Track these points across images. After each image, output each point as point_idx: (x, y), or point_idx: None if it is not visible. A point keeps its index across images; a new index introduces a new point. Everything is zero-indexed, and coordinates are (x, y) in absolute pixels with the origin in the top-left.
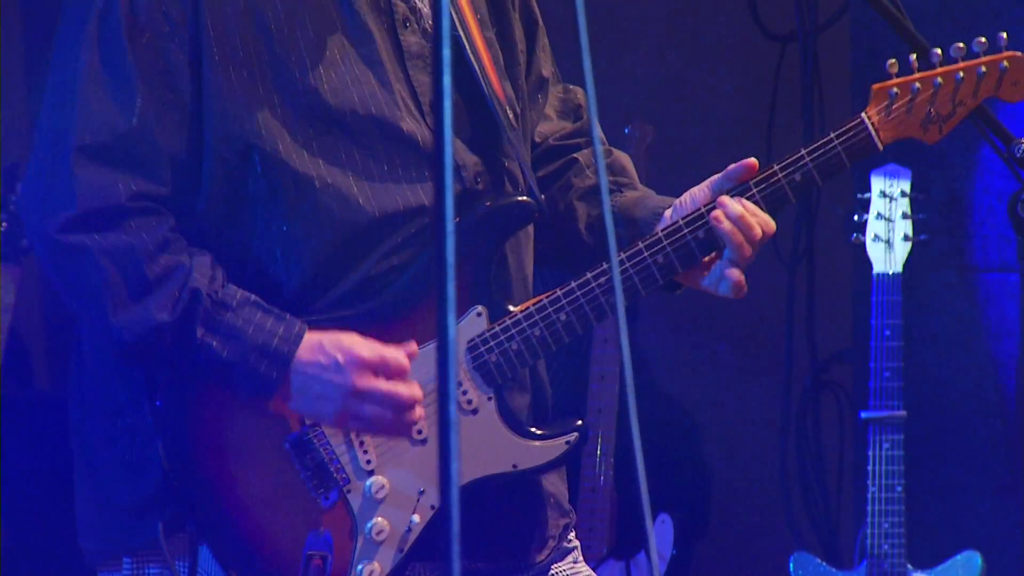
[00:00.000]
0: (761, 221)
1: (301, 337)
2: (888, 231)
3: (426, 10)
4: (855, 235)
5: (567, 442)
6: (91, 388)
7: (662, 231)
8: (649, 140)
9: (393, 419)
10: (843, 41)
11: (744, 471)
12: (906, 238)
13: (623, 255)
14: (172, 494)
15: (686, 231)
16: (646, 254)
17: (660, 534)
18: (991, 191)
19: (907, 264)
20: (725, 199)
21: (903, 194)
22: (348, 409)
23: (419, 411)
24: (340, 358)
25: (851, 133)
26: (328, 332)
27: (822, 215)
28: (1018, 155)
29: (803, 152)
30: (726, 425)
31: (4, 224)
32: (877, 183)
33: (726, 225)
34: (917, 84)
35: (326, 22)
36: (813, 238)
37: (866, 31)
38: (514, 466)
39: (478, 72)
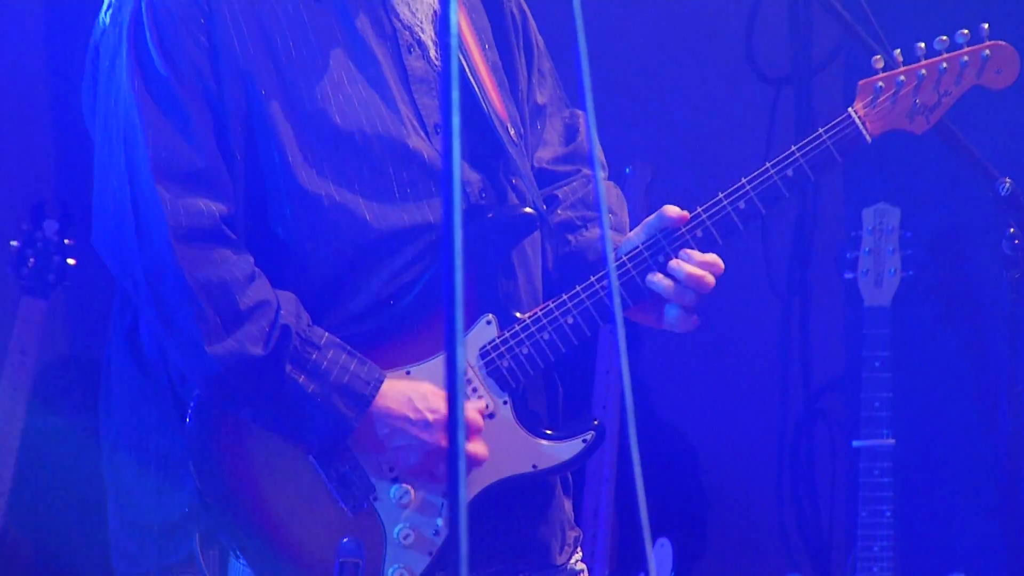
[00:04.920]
0: (705, 263)
1: (381, 381)
2: (878, 267)
3: (429, 37)
4: (847, 270)
5: (584, 440)
6: (121, 414)
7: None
8: (649, 180)
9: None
10: (836, 83)
11: (741, 496)
12: (895, 273)
13: (579, 288)
14: (205, 512)
15: (632, 271)
16: (582, 295)
17: (660, 557)
18: (977, 228)
19: (896, 298)
20: (672, 264)
21: (892, 231)
22: (425, 465)
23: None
24: (430, 417)
25: (839, 127)
26: (411, 383)
27: (815, 252)
28: (1002, 193)
29: (794, 149)
30: (724, 452)
31: (32, 260)
32: (868, 220)
33: (661, 281)
34: (901, 77)
35: (333, 47)
36: (807, 273)
37: (859, 73)
38: (534, 466)
39: (479, 92)
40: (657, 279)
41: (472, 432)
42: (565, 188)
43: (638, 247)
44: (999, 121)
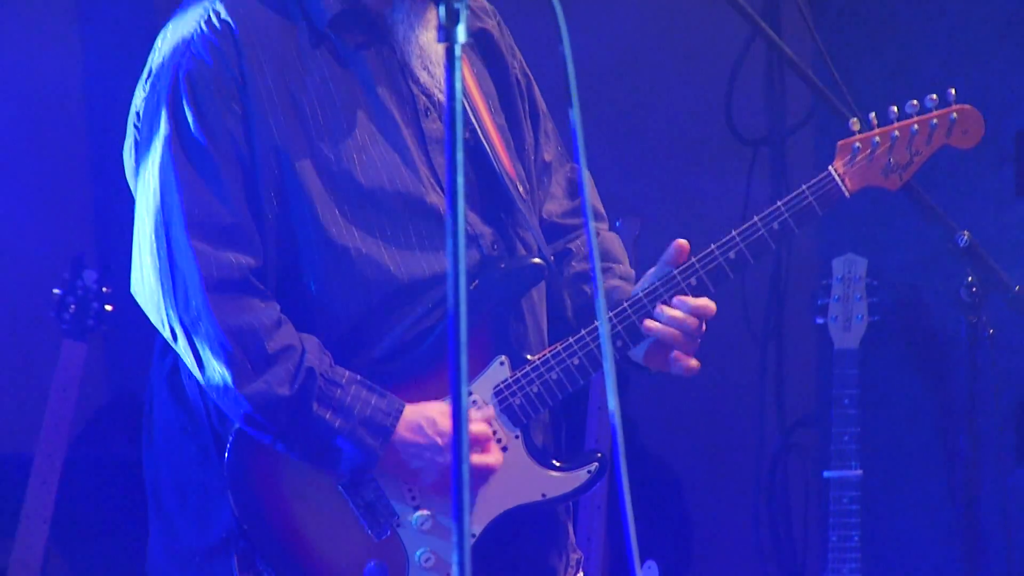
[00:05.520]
0: (697, 308)
1: (401, 412)
2: (847, 312)
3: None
4: (818, 316)
5: (588, 471)
6: (163, 448)
7: (614, 315)
8: (637, 232)
9: (479, 482)
10: (808, 144)
11: (722, 521)
12: (862, 318)
13: (584, 332)
14: (242, 538)
15: (631, 315)
16: (587, 339)
17: None
18: (938, 277)
19: (863, 341)
20: (659, 308)
21: (860, 279)
22: (441, 482)
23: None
24: (439, 441)
25: (821, 184)
26: (422, 408)
27: (789, 299)
28: (961, 245)
29: (779, 204)
30: (706, 481)
31: (73, 306)
32: (837, 270)
33: (657, 326)
34: (877, 138)
35: (357, 112)
36: (782, 318)
37: (828, 135)
38: (543, 495)
39: (490, 152)
40: (649, 324)
41: (483, 441)
42: (576, 241)
43: (639, 295)
44: (959, 177)
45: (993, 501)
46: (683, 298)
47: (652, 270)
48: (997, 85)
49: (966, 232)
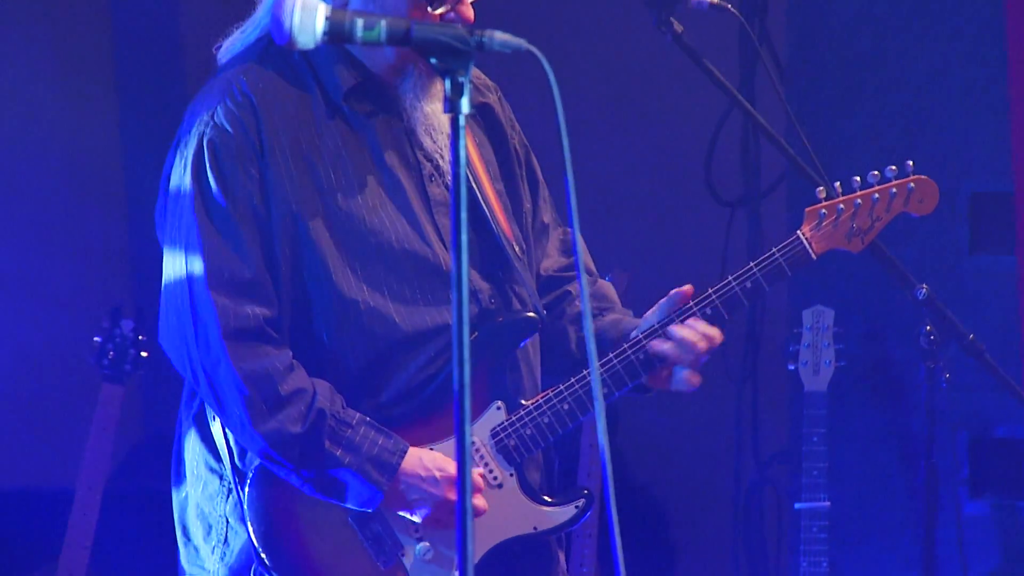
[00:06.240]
0: (705, 334)
1: (405, 451)
2: (816, 358)
3: (448, 167)
4: (790, 361)
5: (576, 506)
6: (190, 482)
7: (628, 344)
8: (625, 286)
9: None
10: (780, 205)
11: (703, 548)
12: (830, 363)
13: (573, 379)
14: (260, 566)
15: (645, 343)
16: (615, 361)
17: None
18: (899, 326)
19: (831, 384)
20: (671, 328)
21: (828, 328)
22: (435, 514)
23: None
24: (437, 475)
25: (790, 247)
26: (425, 450)
27: (763, 345)
28: (920, 297)
29: (752, 265)
30: (688, 511)
31: (111, 353)
32: (807, 320)
33: (668, 347)
34: (841, 206)
35: (367, 177)
36: (757, 363)
37: (799, 196)
38: (535, 528)
39: (489, 215)
40: (658, 343)
41: (474, 490)
42: (574, 284)
43: (653, 325)
44: (918, 234)
45: (950, 530)
46: (695, 320)
47: (652, 311)
48: (954, 152)
49: (924, 285)
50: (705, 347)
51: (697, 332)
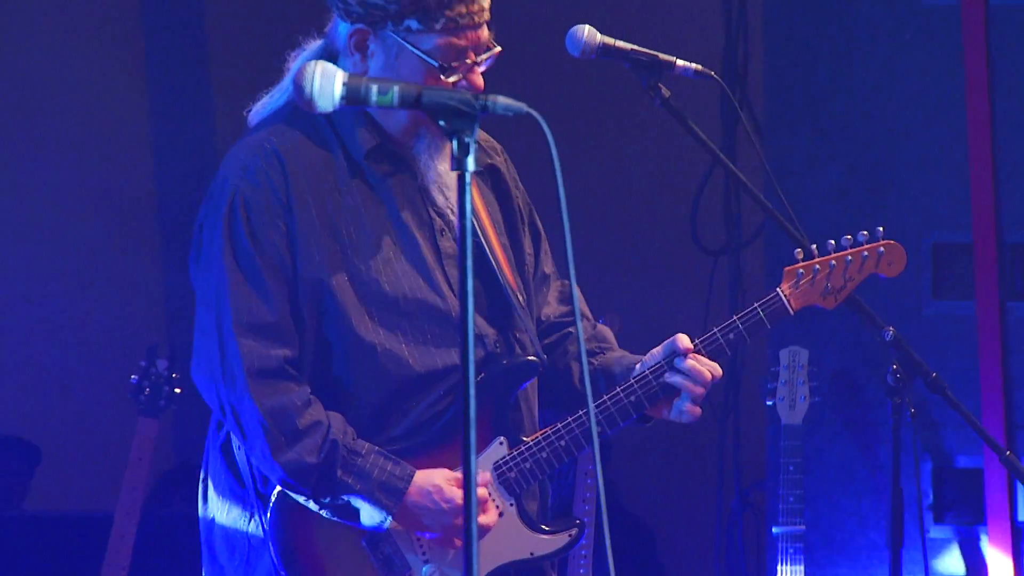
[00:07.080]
0: (710, 367)
1: (411, 478)
2: (792, 394)
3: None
4: (768, 397)
5: (569, 535)
6: (215, 507)
7: (634, 379)
8: (617, 328)
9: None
10: (759, 254)
11: (688, 567)
12: (805, 399)
13: (605, 396)
14: None
15: (651, 378)
16: (622, 395)
17: None
18: (868, 365)
19: (806, 418)
20: (678, 361)
21: (803, 367)
22: (442, 537)
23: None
24: (444, 506)
25: (770, 303)
26: (430, 475)
27: (744, 383)
28: (887, 339)
29: (735, 317)
30: (675, 534)
31: (147, 389)
32: (783, 359)
33: (678, 378)
34: (817, 266)
35: (384, 232)
36: (738, 399)
37: (776, 247)
38: (531, 554)
39: (495, 266)
40: (669, 375)
41: (481, 503)
42: (575, 326)
43: (660, 362)
44: (885, 281)
45: (915, 552)
46: (698, 356)
47: (657, 350)
48: (918, 205)
49: (891, 328)
50: (710, 378)
51: (703, 364)
